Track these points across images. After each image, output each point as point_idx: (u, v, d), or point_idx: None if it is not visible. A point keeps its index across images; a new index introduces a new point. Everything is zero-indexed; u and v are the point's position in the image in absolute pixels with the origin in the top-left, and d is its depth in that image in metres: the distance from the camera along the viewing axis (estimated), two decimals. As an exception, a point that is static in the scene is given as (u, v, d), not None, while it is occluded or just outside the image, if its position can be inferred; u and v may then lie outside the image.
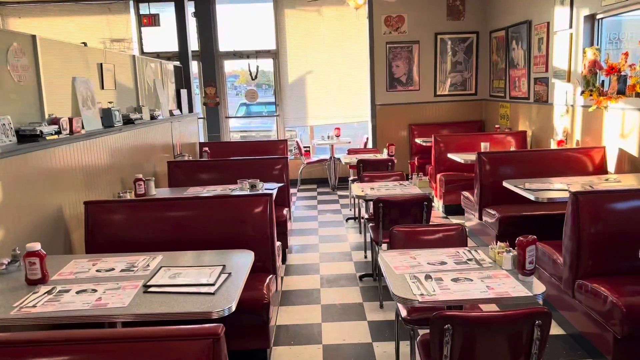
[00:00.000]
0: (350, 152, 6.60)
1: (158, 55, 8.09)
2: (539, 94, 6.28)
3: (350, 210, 6.67)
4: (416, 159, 8.01)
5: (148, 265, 2.53)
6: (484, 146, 5.69)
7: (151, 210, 3.34)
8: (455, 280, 2.15)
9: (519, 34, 6.79)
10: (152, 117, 5.16)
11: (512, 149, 5.84)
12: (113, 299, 2.12)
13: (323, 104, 8.53)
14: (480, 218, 4.80)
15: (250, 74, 8.45)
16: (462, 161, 5.45)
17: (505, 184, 4.18)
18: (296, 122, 8.68)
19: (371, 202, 4.05)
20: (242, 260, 2.57)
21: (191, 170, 5.08)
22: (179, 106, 6.36)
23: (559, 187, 3.88)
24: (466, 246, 2.75)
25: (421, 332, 2.38)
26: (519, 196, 4.06)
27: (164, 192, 4.46)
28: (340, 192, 7.85)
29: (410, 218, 3.71)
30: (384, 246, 4.22)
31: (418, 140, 7.64)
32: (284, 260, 4.76)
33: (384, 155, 6.05)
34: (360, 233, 5.60)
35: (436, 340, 1.79)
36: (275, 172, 5.13)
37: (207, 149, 6.05)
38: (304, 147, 8.60)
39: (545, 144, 6.17)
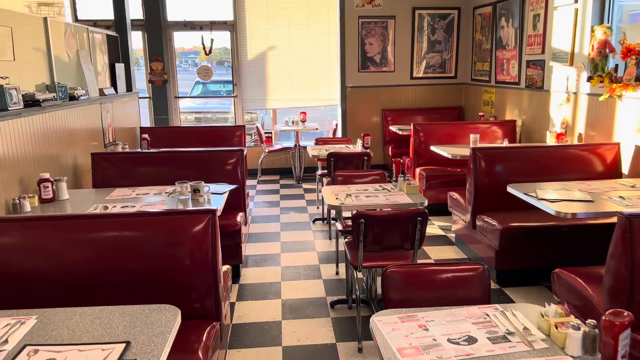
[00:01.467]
0: (319, 141, 5.72)
1: (95, 23, 6.93)
2: (532, 78, 5.54)
3: (318, 208, 5.82)
4: (390, 148, 7.21)
5: (7, 341, 1.59)
6: (474, 139, 4.91)
7: (47, 233, 2.37)
8: (500, 382, 1.32)
9: (509, 9, 6.01)
10: (73, 98, 4.11)
11: (505, 143, 5.07)
12: None
13: (287, 84, 7.58)
14: (474, 226, 4.03)
15: (204, 48, 7.38)
16: (450, 156, 4.66)
17: (511, 189, 3.40)
18: (257, 104, 7.70)
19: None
20: (160, 328, 1.66)
21: (123, 165, 4.09)
22: (114, 84, 5.29)
23: (579, 197, 3.13)
24: (489, 296, 1.93)
25: None
26: (518, 200, 3.31)
27: (82, 195, 3.47)
28: (306, 185, 6.98)
29: (398, 236, 2.88)
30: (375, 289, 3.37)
31: (393, 128, 6.82)
32: (236, 279, 3.87)
33: (357, 147, 5.19)
34: (331, 239, 4.76)
35: None
36: (228, 167, 4.20)
37: (146, 136, 5.04)
38: (266, 132, 7.64)
39: (539, 137, 5.45)
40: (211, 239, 2.40)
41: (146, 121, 7.60)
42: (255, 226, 5.22)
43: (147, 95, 7.46)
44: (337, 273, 3.97)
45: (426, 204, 3.11)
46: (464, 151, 4.78)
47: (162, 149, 4.99)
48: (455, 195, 4.47)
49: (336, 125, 7.30)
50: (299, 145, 7.21)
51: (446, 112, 7.63)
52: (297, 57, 7.49)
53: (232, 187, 3.54)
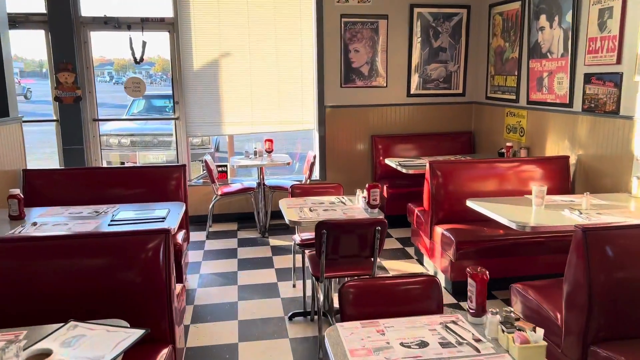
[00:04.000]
0: (296, 190, 3.86)
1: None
2: (597, 99, 3.92)
3: (294, 286, 3.97)
4: (385, 187, 5.45)
5: None
6: (539, 192, 3.19)
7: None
8: None
9: (553, 4, 4.40)
10: None
11: (586, 199, 3.30)
12: None
13: (247, 103, 5.72)
14: (582, 361, 2.29)
15: (133, 54, 5.45)
16: (514, 226, 2.91)
17: None
18: (206, 129, 5.80)
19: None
20: None
21: None
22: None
23: None
24: None
25: None
26: None
27: None
28: (274, 240, 5.11)
29: None
30: None
31: (391, 163, 5.07)
32: None
33: (358, 202, 3.38)
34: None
35: None
36: (144, 256, 2.31)
37: (17, 193, 3.05)
38: (219, 167, 5.76)
39: (612, 183, 3.81)
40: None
41: (53, 155, 5.58)
42: (199, 329, 3.31)
43: (54, 118, 5.44)
44: None
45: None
46: (523, 215, 3.05)
47: (33, 223, 3.03)
48: (531, 294, 2.71)
49: (314, 157, 5.48)
50: (263, 185, 5.36)
51: (451, 139, 5.97)
52: (260, 67, 5.66)
53: (133, 338, 1.65)
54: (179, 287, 2.81)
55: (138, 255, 2.27)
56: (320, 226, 2.84)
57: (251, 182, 5.65)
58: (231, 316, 3.49)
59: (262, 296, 3.81)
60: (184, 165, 4.12)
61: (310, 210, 3.25)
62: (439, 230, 3.93)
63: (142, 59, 5.46)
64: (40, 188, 3.85)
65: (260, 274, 4.24)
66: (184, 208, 3.49)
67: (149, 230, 2.31)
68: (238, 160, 5.33)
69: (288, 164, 5.30)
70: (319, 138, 5.81)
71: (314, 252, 3.23)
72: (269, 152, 5.57)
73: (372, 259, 2.97)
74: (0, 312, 2.09)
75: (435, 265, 4.11)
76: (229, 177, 5.82)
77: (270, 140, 5.59)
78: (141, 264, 2.27)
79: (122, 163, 8.78)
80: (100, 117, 5.64)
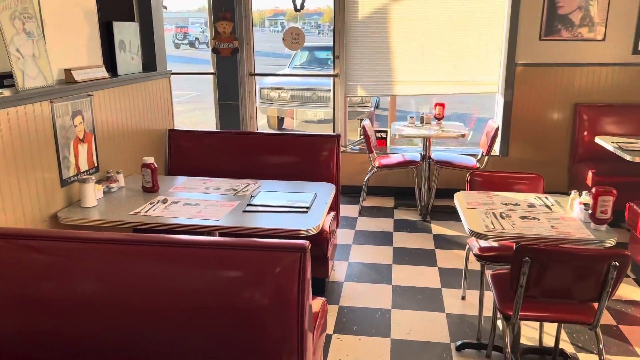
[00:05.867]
0: (476, 179, 2.94)
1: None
2: None
3: (464, 298, 3.14)
4: (590, 173, 4.20)
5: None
6: None
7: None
8: None
9: None
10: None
11: None
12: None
13: (417, 58, 4.81)
14: None
15: (294, 1, 4.86)
16: None
17: None
18: (368, 88, 5.06)
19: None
20: None
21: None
22: (111, 60, 2.99)
23: None
24: None
25: None
26: None
27: None
28: (437, 227, 4.28)
29: None
30: None
31: (607, 145, 3.81)
32: None
33: (572, 211, 2.36)
34: None
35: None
36: (271, 280, 1.72)
37: (152, 162, 2.68)
38: (378, 132, 5.02)
39: None
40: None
41: (210, 111, 5.37)
42: (343, 343, 2.70)
43: (212, 71, 5.17)
44: None
45: None
46: None
47: (162, 201, 2.62)
48: None
49: (496, 130, 4.40)
50: (429, 159, 4.50)
51: (694, 113, 4.39)
52: (436, 13, 4.67)
53: None
54: (318, 302, 2.19)
55: (263, 278, 1.65)
56: (523, 252, 1.94)
57: (414, 153, 4.82)
58: (382, 331, 2.81)
59: (422, 307, 3.06)
60: (338, 136, 3.45)
61: (501, 216, 2.34)
62: (687, 253, 2.73)
63: (302, 6, 4.84)
64: (185, 151, 3.53)
65: (420, 273, 3.48)
66: (334, 190, 2.85)
67: (281, 245, 1.67)
68: (401, 128, 4.50)
69: (463, 136, 4.33)
70: (503, 104, 4.70)
71: (501, 270, 2.37)
72: (439, 119, 4.66)
73: (598, 303, 2.00)
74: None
75: (670, 299, 2.92)
76: (388, 144, 5.06)
77: (442, 105, 4.65)
78: (266, 289, 1.65)
79: (280, 118, 8.56)
80: (257, 72, 5.24)
